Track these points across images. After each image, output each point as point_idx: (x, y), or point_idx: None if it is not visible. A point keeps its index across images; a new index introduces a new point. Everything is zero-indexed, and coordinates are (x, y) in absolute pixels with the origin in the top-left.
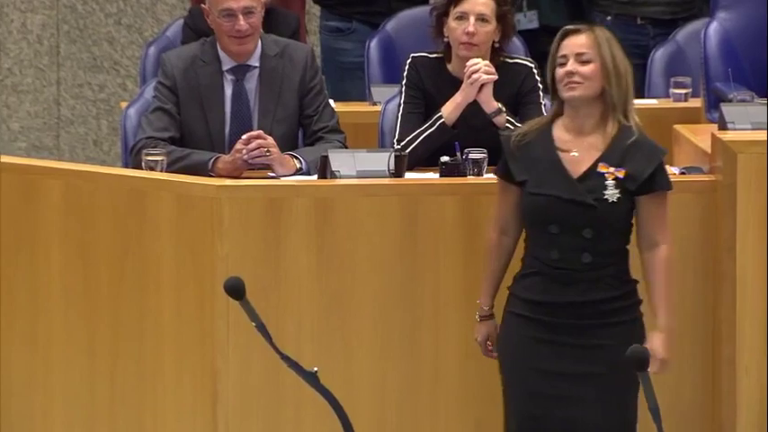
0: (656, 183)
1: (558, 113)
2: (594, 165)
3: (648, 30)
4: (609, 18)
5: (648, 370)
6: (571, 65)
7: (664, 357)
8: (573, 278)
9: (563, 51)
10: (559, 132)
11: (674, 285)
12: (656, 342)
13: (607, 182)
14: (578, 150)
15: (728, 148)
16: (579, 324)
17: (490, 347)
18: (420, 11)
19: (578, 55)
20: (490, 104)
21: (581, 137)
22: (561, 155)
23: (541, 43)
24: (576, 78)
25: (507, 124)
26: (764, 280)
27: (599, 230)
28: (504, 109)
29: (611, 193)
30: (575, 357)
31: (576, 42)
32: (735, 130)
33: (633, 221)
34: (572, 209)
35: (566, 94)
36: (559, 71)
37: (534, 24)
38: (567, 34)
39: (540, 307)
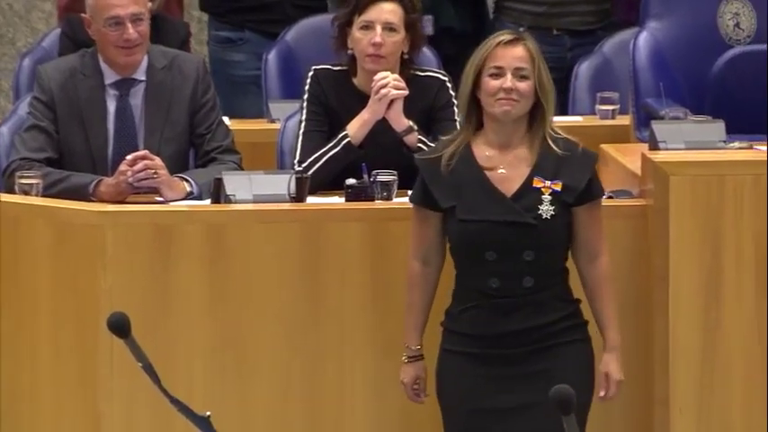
0: (593, 192)
1: (475, 128)
2: (528, 180)
3: (565, 41)
4: (522, 29)
5: (604, 395)
6: (510, 81)
7: (620, 379)
8: (516, 305)
9: (498, 62)
10: (480, 149)
11: (617, 299)
12: (611, 365)
13: (543, 197)
14: (505, 166)
15: (660, 170)
16: (525, 351)
17: (417, 390)
18: (321, 19)
19: (517, 69)
20: (400, 122)
21: (506, 151)
22: (488, 174)
23: (445, 47)
24: (515, 96)
25: (419, 144)
26: (700, 312)
27: (540, 251)
28: (415, 127)
29: (546, 209)
30: (523, 389)
31: (515, 55)
32: (667, 150)
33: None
34: (510, 231)
35: (499, 109)
36: (493, 83)
37: (430, 31)
38: (502, 43)
39: (482, 341)
